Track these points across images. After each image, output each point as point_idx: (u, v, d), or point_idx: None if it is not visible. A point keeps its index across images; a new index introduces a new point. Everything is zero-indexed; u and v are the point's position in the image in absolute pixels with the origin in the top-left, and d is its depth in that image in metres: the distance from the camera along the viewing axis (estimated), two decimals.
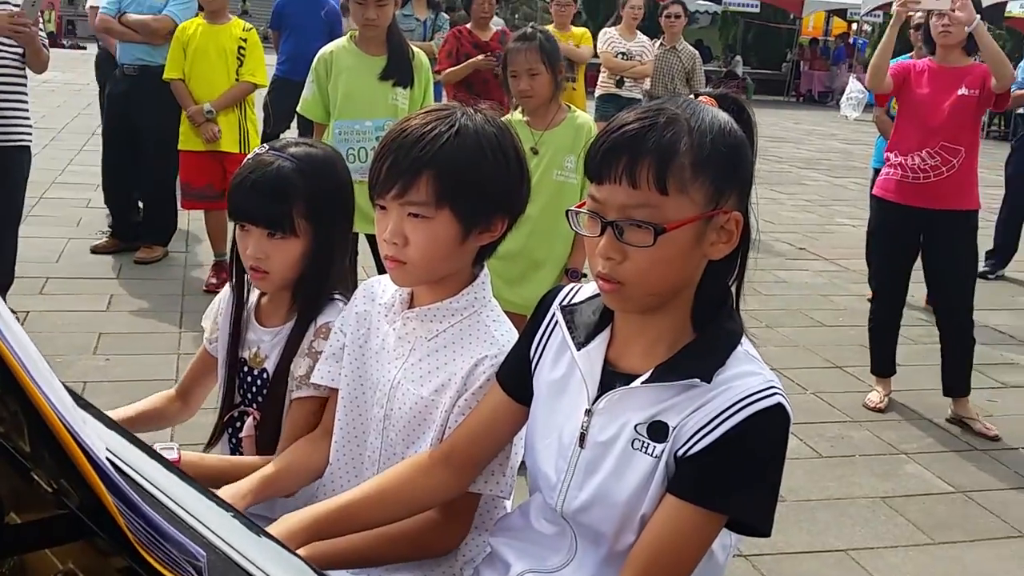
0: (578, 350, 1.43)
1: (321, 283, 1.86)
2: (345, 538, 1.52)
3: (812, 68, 26.73)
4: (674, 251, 1.30)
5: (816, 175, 12.48)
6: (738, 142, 1.33)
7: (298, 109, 4.34)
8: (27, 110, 4.86)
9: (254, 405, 1.93)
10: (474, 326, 1.63)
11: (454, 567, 1.66)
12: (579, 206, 1.35)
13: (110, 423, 1.30)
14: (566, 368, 1.45)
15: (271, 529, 1.41)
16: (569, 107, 3.69)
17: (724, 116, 1.34)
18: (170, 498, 1.05)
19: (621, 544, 1.38)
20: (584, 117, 3.66)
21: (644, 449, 1.34)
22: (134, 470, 1.11)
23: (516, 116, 3.65)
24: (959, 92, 4.28)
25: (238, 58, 5.64)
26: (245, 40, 5.61)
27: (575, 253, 3.60)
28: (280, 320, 1.92)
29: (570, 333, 1.45)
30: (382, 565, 1.61)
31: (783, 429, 1.33)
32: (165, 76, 5.73)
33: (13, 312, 4.89)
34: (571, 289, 1.54)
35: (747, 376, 1.33)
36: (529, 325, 1.55)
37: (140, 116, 5.99)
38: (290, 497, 1.78)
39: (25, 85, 4.83)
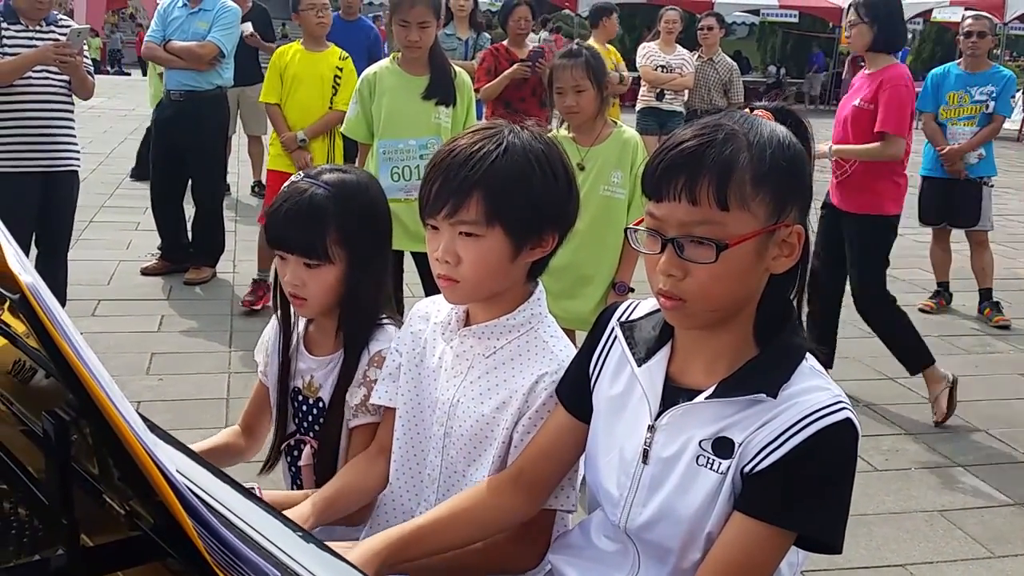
0: (639, 366, 1.42)
1: (363, 308, 1.86)
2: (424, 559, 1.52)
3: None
4: (736, 266, 1.29)
5: None
6: (797, 155, 1.33)
7: (342, 129, 4.37)
8: (75, 136, 4.96)
9: (311, 434, 1.94)
10: (532, 342, 1.63)
11: None
12: (637, 223, 1.35)
13: (177, 444, 1.32)
14: (626, 384, 1.44)
15: (347, 555, 1.41)
16: (615, 122, 3.68)
17: (782, 130, 1.34)
18: (242, 519, 1.06)
19: (687, 561, 1.37)
20: (630, 132, 3.65)
21: (710, 465, 1.33)
22: (205, 491, 1.12)
23: (562, 132, 3.65)
24: (854, 103, 4.53)
25: (333, 86, 5.67)
26: (341, 69, 5.65)
27: (622, 267, 3.59)
28: (329, 348, 1.92)
29: (630, 349, 1.44)
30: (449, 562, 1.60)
31: (852, 444, 1.31)
32: (261, 99, 5.76)
33: None
34: (629, 305, 1.54)
35: (814, 391, 1.31)
36: (587, 342, 1.54)
37: (187, 140, 6.06)
38: (352, 521, 1.78)
39: (72, 112, 4.93)
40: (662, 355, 1.42)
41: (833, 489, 1.31)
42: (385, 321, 1.90)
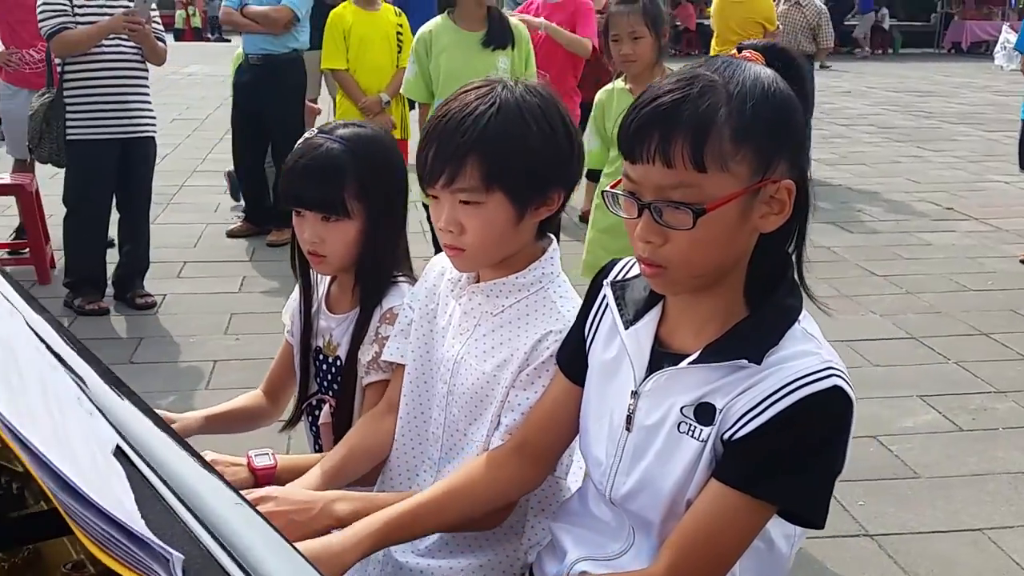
0: (626, 328, 1.34)
1: (379, 265, 1.83)
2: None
3: (964, 18, 25.16)
4: (718, 230, 1.20)
5: (968, 130, 11.76)
6: (784, 102, 1.21)
7: (401, 90, 4.34)
8: (150, 102, 5.03)
9: (330, 393, 1.92)
10: (540, 301, 1.57)
11: (519, 551, 1.62)
12: (614, 186, 1.27)
13: (146, 410, 1.30)
14: (618, 348, 1.37)
15: (335, 536, 1.39)
16: (671, 71, 3.54)
17: (768, 74, 1.22)
18: (175, 492, 1.03)
19: (668, 532, 1.30)
20: None
21: (691, 433, 1.25)
22: (147, 461, 1.10)
23: (619, 84, 3.53)
24: None
25: (397, 44, 5.66)
26: (401, 26, 5.63)
27: None
28: (348, 306, 1.90)
29: (619, 311, 1.36)
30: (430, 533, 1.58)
31: (841, 414, 1.21)
32: (324, 66, 5.80)
33: (150, 295, 5.11)
34: (625, 263, 1.45)
35: (802, 356, 1.22)
36: (584, 303, 1.47)
37: (265, 104, 6.12)
38: (367, 482, 1.76)
39: (147, 79, 5.00)
40: (651, 317, 1.34)
41: (816, 461, 1.22)
42: (400, 278, 1.87)
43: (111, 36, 4.74)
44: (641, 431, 1.31)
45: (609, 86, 3.60)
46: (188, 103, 12.91)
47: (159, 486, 1.03)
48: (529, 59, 4.16)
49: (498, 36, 4.06)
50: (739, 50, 1.29)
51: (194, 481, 1.09)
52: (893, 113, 13.14)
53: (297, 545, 1.33)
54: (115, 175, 4.98)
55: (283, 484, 1.63)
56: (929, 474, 3.53)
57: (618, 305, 1.37)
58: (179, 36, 24.78)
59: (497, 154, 1.45)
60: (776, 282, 1.28)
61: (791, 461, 1.21)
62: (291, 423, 2.01)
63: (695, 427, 1.25)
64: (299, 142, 1.85)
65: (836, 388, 1.19)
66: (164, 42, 4.99)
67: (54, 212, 5.55)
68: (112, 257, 5.27)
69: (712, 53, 8.06)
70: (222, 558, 0.91)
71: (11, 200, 5.86)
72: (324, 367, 1.94)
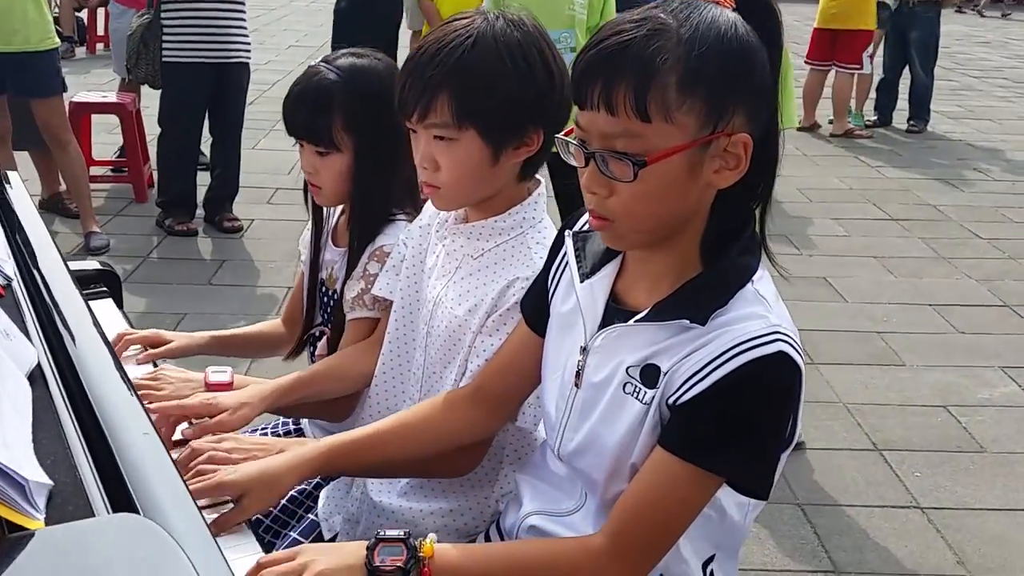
0: (582, 281, 1.29)
1: (371, 199, 1.81)
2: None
3: None
4: (664, 184, 1.13)
5: None
6: (742, 50, 1.13)
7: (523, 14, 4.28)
8: (245, 29, 5.11)
9: (329, 325, 1.93)
10: (517, 247, 1.53)
11: (490, 499, 1.60)
12: (567, 133, 1.21)
13: (98, 333, 1.32)
14: (574, 301, 1.32)
15: (284, 456, 1.40)
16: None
17: (728, 18, 1.14)
18: (80, 419, 1.04)
19: (610, 493, 1.26)
20: None
21: (636, 394, 1.21)
22: (67, 384, 1.12)
23: None
24: None
25: None
26: None
27: None
28: (347, 239, 1.89)
29: (577, 263, 1.31)
30: (394, 476, 1.59)
31: (785, 380, 1.14)
32: None
33: (238, 219, 5.24)
34: None
35: (748, 319, 1.15)
36: (550, 252, 1.42)
37: (356, 32, 6.15)
38: (335, 416, 1.78)
39: (243, 5, 5.06)
40: (608, 271, 1.29)
41: (758, 429, 1.15)
42: (399, 216, 1.84)
43: None
44: (589, 388, 1.27)
45: None
46: (307, 31, 13.07)
47: (64, 412, 1.05)
48: None
49: None
50: None
51: (110, 407, 1.11)
52: None
53: (238, 467, 1.36)
54: (208, 99, 5.08)
55: None
56: (996, 449, 3.36)
57: (577, 257, 1.32)
58: None
59: (469, 90, 1.41)
60: (731, 241, 1.21)
61: (733, 429, 1.15)
62: (294, 352, 2.03)
63: (640, 388, 1.20)
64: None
65: (781, 354, 1.13)
66: None
67: (155, 132, 5.72)
68: (205, 179, 5.41)
69: None
70: (91, 488, 0.92)
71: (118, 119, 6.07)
72: (326, 299, 1.94)
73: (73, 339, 1.29)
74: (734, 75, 1.13)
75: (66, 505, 0.88)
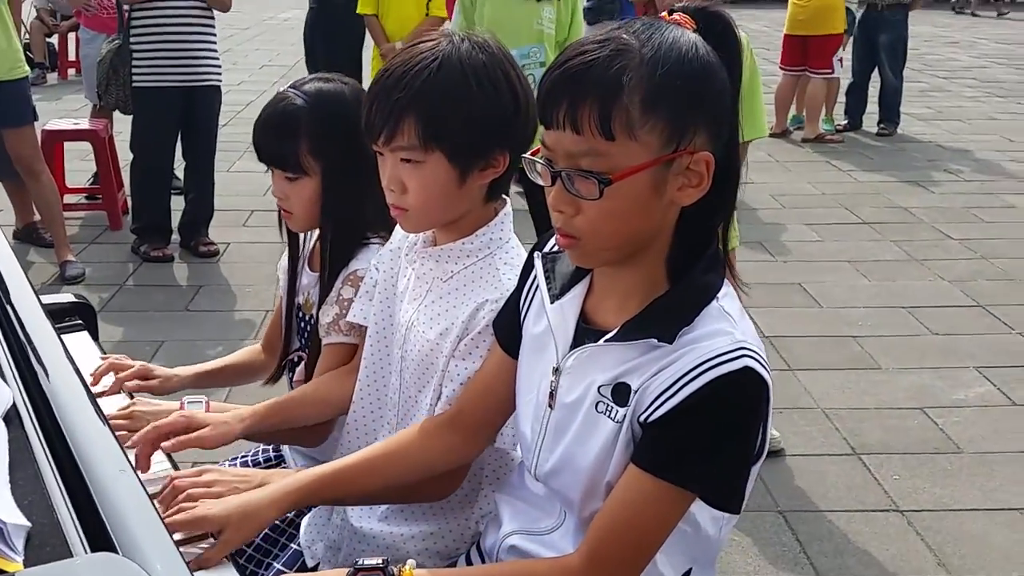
0: (552, 303, 1.31)
1: (341, 223, 1.82)
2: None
3: None
4: (628, 202, 1.15)
5: None
6: (702, 70, 1.16)
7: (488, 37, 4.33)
8: (215, 51, 5.10)
9: (306, 350, 1.94)
10: (485, 268, 1.55)
11: (470, 520, 1.61)
12: (533, 153, 1.23)
13: (72, 369, 1.33)
14: (546, 322, 1.34)
15: (265, 490, 1.40)
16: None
17: (689, 40, 1.17)
18: (55, 457, 1.05)
19: (587, 512, 1.27)
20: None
21: (608, 413, 1.22)
22: (42, 424, 1.12)
23: None
24: None
25: None
26: None
27: None
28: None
29: (547, 284, 1.33)
30: (373, 503, 1.60)
31: (751, 395, 1.17)
32: (359, 10, 5.89)
33: (213, 243, 5.21)
34: None
35: (714, 336, 1.17)
36: (521, 274, 1.44)
37: (318, 48, 6.27)
38: (307, 443, 1.79)
39: (212, 27, 5.06)
40: (577, 291, 1.31)
41: (727, 444, 1.17)
42: (373, 240, 1.85)
43: None
44: (562, 408, 1.28)
45: None
46: (279, 50, 13.06)
47: (40, 451, 1.06)
48: (575, 9, 4.09)
49: None
50: (670, 12, 1.23)
51: (86, 444, 1.12)
52: (1000, 67, 12.52)
53: (219, 501, 1.36)
54: (179, 123, 5.08)
55: None
56: (973, 449, 3.40)
57: (547, 278, 1.33)
58: None
59: (434, 113, 1.42)
60: (694, 258, 1.23)
61: (702, 445, 1.17)
62: (273, 378, 2.04)
63: (612, 407, 1.22)
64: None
65: (747, 369, 1.15)
66: None
67: (129, 158, 5.71)
68: (179, 204, 5.40)
69: None
70: (68, 528, 0.93)
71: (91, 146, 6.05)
72: (302, 324, 1.95)
73: (48, 376, 1.29)
74: (696, 94, 1.15)
75: (44, 546, 0.89)
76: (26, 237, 5.40)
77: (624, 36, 1.16)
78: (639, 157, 1.14)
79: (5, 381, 1.18)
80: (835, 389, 3.85)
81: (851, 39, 8.27)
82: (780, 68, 8.27)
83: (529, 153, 1.24)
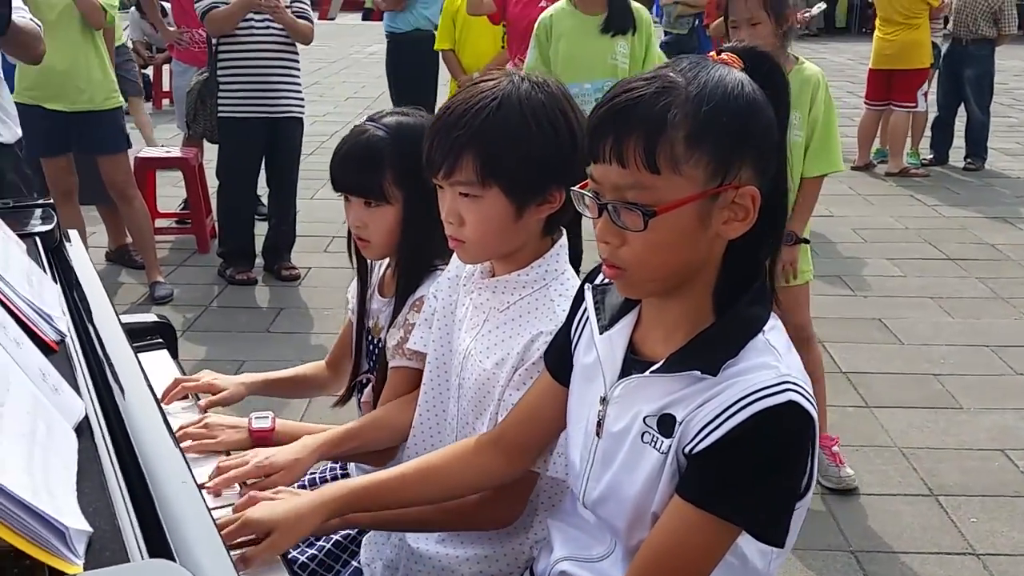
0: (601, 333, 1.33)
1: (416, 251, 1.87)
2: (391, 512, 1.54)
3: None
4: (674, 234, 1.17)
5: None
6: (748, 106, 1.17)
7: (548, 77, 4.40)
8: (299, 84, 5.25)
9: (375, 373, 1.98)
10: (541, 300, 1.58)
11: (524, 545, 1.63)
12: (582, 186, 1.26)
13: (144, 383, 1.39)
14: (595, 353, 1.36)
15: (311, 496, 1.45)
16: (797, 58, 3.41)
17: (736, 77, 1.19)
18: (122, 467, 1.10)
19: (634, 541, 1.29)
20: (812, 69, 3.37)
21: (654, 443, 1.24)
22: (112, 435, 1.18)
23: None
24: None
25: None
26: None
27: (796, 216, 3.33)
28: (392, 291, 1.95)
29: (597, 315, 1.35)
30: (431, 531, 1.63)
31: (795, 429, 1.17)
32: (436, 46, 6.03)
33: (295, 268, 5.34)
34: None
35: (759, 369, 1.18)
36: (572, 305, 1.47)
37: (394, 82, 6.43)
38: (378, 463, 1.83)
39: (296, 60, 5.20)
40: (626, 322, 1.33)
41: (770, 477, 1.18)
42: (440, 267, 1.90)
43: (262, 18, 4.97)
44: (609, 438, 1.30)
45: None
46: (365, 82, 13.35)
47: (107, 462, 1.11)
48: (650, 44, 4.11)
49: (618, 21, 4.03)
50: (718, 52, 1.25)
51: (153, 457, 1.17)
52: None
53: (260, 506, 1.41)
54: (262, 152, 5.24)
55: (280, 445, 1.70)
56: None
57: (596, 309, 1.36)
58: (367, 16, 25.59)
59: (493, 151, 1.47)
60: (741, 291, 1.24)
61: (746, 478, 1.18)
62: (343, 400, 2.09)
63: (657, 438, 1.23)
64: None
65: (791, 403, 1.15)
66: (310, 20, 5.17)
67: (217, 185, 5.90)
68: (264, 229, 5.56)
69: (877, 33, 7.71)
70: (128, 535, 0.97)
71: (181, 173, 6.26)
72: (371, 347, 2.00)
73: (123, 392, 1.36)
74: (741, 130, 1.17)
75: (104, 551, 0.93)
76: (118, 258, 5.61)
77: (671, 74, 1.18)
78: (684, 191, 1.16)
79: (80, 395, 1.24)
80: (914, 428, 3.76)
81: (936, 73, 8.14)
82: (864, 103, 8.15)
83: (578, 186, 1.27)
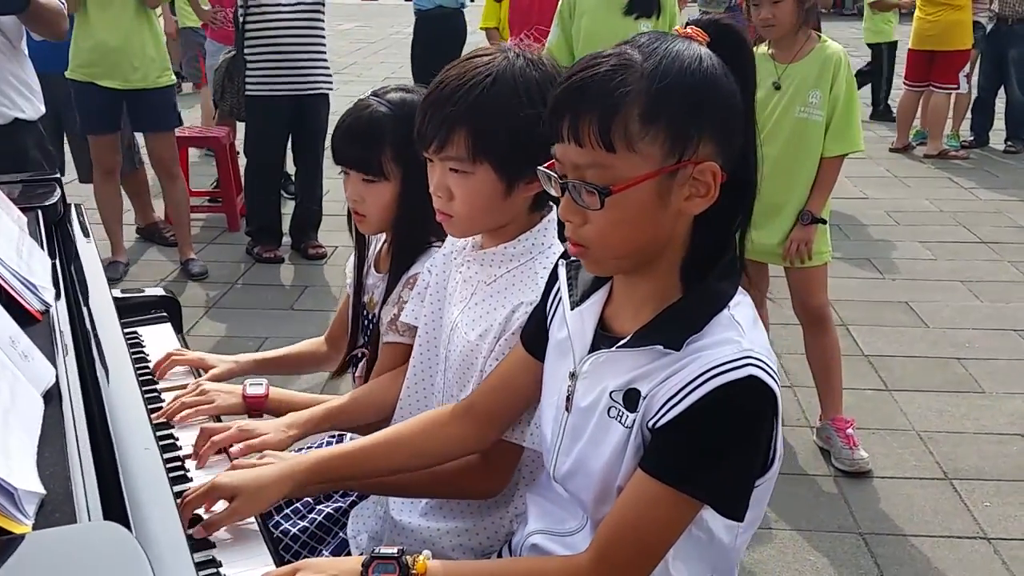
0: (572, 309, 1.34)
1: (412, 228, 1.88)
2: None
3: None
4: (632, 212, 1.18)
5: None
6: (704, 81, 1.17)
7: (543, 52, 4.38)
8: (325, 61, 5.25)
9: (368, 347, 2.01)
10: (526, 273, 1.59)
11: (504, 518, 1.65)
12: (548, 166, 1.26)
13: (121, 354, 1.42)
14: (567, 328, 1.37)
15: (277, 465, 1.46)
16: (820, 36, 3.37)
17: (693, 52, 1.18)
18: (79, 439, 1.13)
19: (600, 515, 1.30)
20: (834, 47, 3.32)
21: (619, 418, 1.24)
22: (82, 408, 1.21)
23: (761, 49, 3.40)
24: None
25: None
26: None
27: (814, 196, 3.30)
28: (388, 266, 1.97)
29: (569, 291, 1.36)
30: (415, 496, 1.65)
31: (756, 404, 1.17)
32: (480, 25, 6.01)
33: (321, 246, 5.38)
34: None
35: (721, 344, 1.18)
36: (548, 281, 1.47)
37: (423, 59, 6.45)
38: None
39: (323, 38, 5.22)
40: (597, 298, 1.33)
41: (730, 452, 1.18)
42: (435, 244, 1.91)
43: None
44: (578, 413, 1.31)
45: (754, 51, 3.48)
46: (402, 62, 13.34)
47: (71, 428, 1.14)
48: (674, 23, 4.07)
49: (642, 2, 4.00)
50: (685, 26, 1.25)
51: (121, 424, 1.20)
52: None
53: (229, 472, 1.43)
54: (289, 130, 5.27)
55: (274, 413, 1.74)
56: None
57: (569, 286, 1.37)
58: None
59: (485, 127, 1.47)
60: (708, 266, 1.24)
61: (706, 452, 1.18)
62: (337, 373, 2.13)
63: (622, 412, 1.24)
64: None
65: (751, 378, 1.15)
66: None
67: None
68: (292, 208, 5.60)
69: (917, 13, 7.58)
70: (79, 499, 1.00)
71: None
72: (366, 322, 2.02)
73: (103, 362, 1.39)
74: (697, 105, 1.16)
75: (55, 512, 0.96)
76: (149, 236, 5.70)
77: (629, 50, 1.18)
78: (641, 168, 1.16)
79: (56, 363, 1.27)
80: (933, 412, 3.72)
81: (979, 55, 7.98)
82: (904, 84, 8.03)
83: (545, 165, 1.27)
